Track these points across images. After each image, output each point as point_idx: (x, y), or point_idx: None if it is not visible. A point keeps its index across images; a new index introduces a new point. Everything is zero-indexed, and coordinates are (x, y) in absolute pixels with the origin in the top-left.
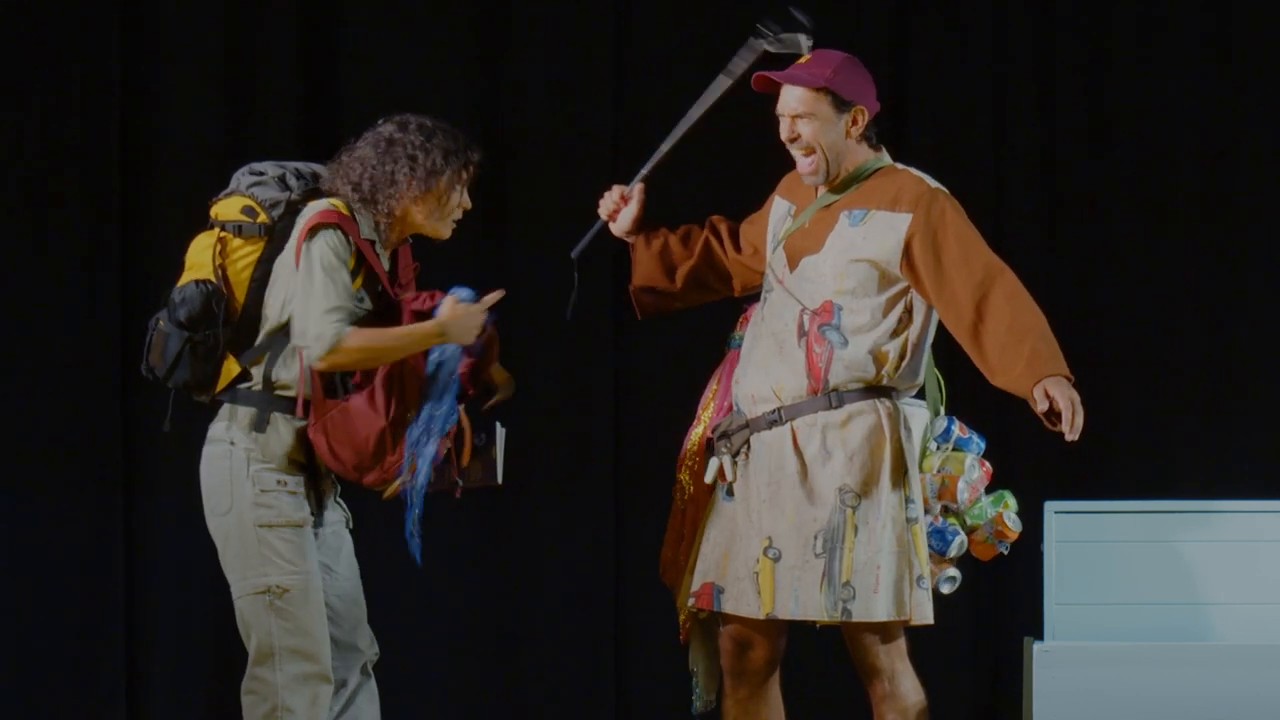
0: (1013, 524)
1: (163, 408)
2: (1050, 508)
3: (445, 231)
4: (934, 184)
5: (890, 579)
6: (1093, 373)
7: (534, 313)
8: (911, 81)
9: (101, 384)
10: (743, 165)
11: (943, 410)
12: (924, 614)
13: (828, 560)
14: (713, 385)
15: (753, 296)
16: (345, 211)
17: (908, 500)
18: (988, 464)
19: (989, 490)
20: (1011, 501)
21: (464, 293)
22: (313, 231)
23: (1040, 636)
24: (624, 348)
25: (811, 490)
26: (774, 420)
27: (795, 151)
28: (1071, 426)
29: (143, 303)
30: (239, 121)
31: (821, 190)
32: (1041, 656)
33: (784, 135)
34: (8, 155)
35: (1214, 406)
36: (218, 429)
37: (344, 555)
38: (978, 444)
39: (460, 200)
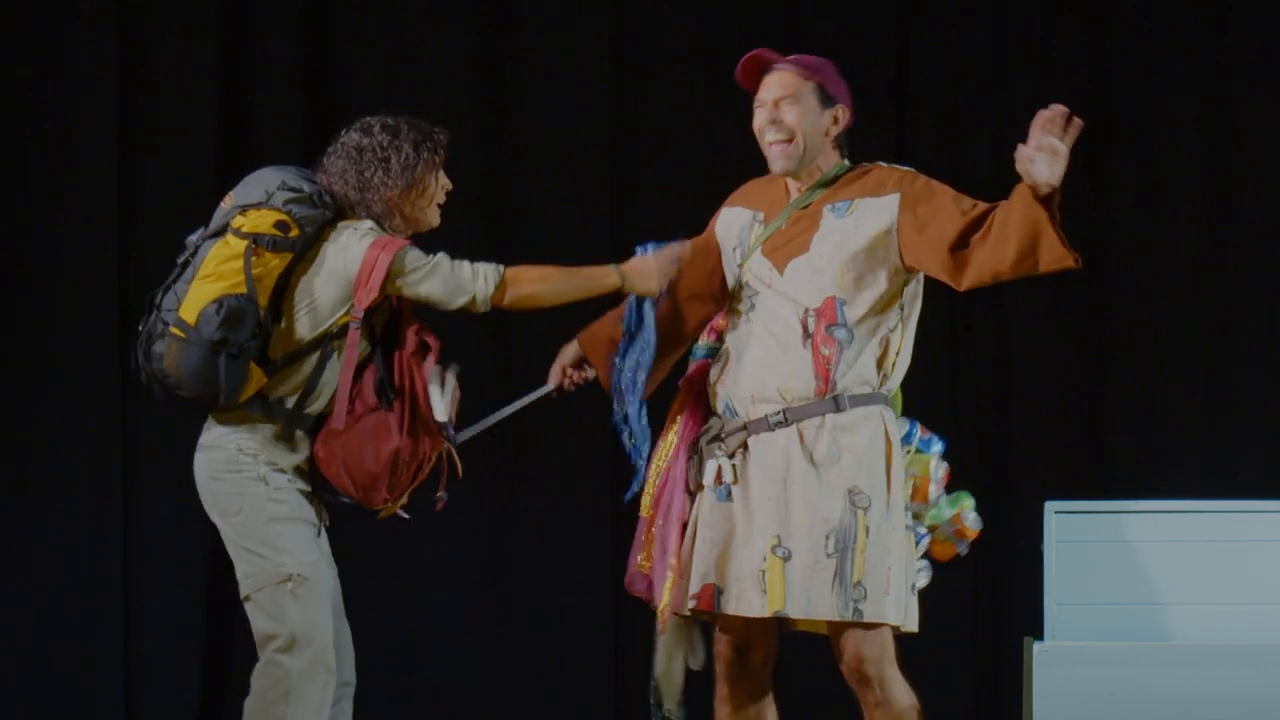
0: (971, 523)
1: (162, 406)
2: (1050, 508)
3: (434, 219)
4: (908, 168)
5: (896, 582)
6: (1092, 372)
7: (532, 313)
8: (912, 80)
9: (101, 384)
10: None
11: (899, 412)
12: (913, 621)
13: (839, 560)
14: (679, 396)
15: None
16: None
17: (906, 508)
18: (946, 464)
19: (947, 490)
20: (969, 501)
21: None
22: (402, 249)
23: (1040, 636)
24: None
25: (822, 491)
26: (778, 422)
27: (772, 136)
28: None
29: (143, 303)
30: (237, 123)
31: (794, 193)
32: (1041, 656)
33: (762, 121)
34: (6, 155)
35: (1213, 407)
36: (219, 435)
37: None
38: (938, 445)
39: (440, 183)
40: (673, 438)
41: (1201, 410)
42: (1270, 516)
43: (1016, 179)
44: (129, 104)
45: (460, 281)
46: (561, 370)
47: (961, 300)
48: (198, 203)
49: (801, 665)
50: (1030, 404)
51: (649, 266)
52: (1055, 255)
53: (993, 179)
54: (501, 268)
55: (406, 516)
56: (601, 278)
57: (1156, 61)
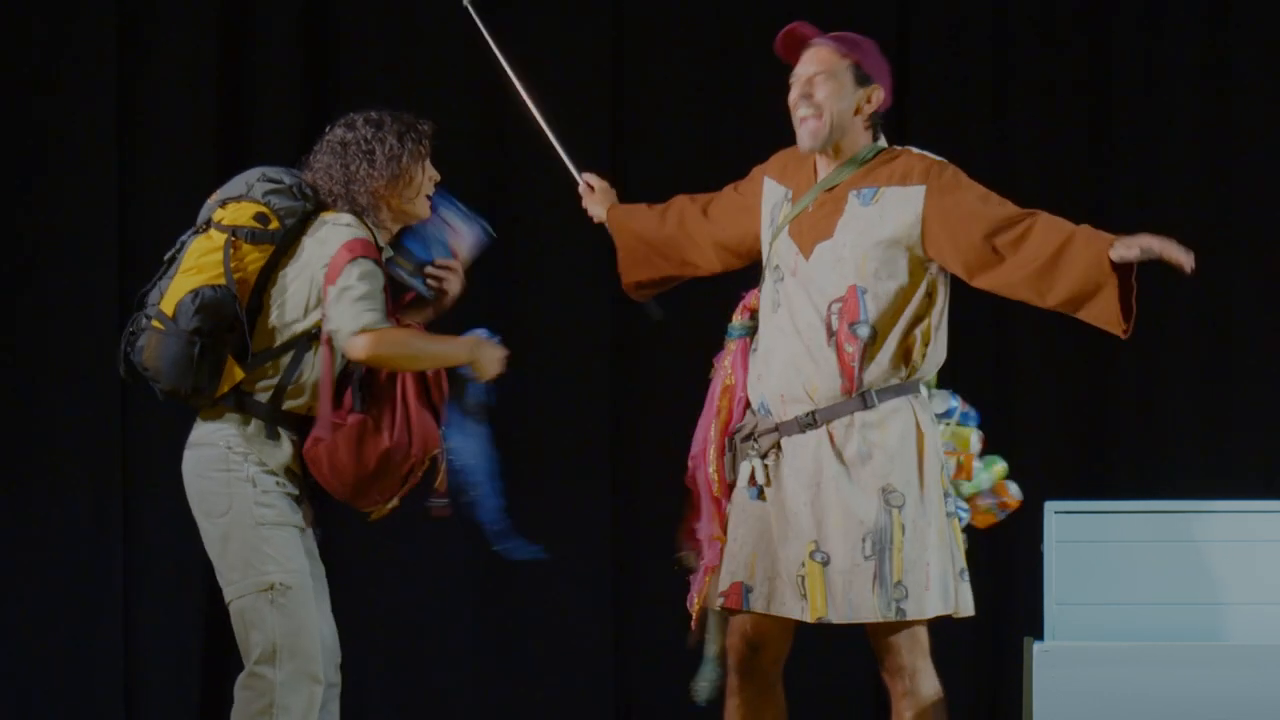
0: (1014, 492)
1: (162, 407)
2: (1050, 508)
3: (423, 210)
4: (938, 158)
5: (938, 574)
6: (1093, 372)
7: (533, 313)
8: (912, 80)
9: (101, 384)
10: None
11: (934, 383)
12: (968, 606)
13: (878, 562)
14: (724, 377)
15: (751, 282)
16: (368, 232)
17: (945, 494)
18: (982, 432)
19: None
20: (1002, 466)
21: (484, 332)
22: (353, 260)
23: (1040, 636)
24: (621, 344)
25: (855, 492)
26: (808, 424)
27: (802, 112)
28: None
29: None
30: (237, 123)
31: (822, 172)
32: (1041, 656)
33: (794, 96)
34: (6, 156)
35: (1213, 406)
36: (208, 432)
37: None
38: (974, 417)
39: (427, 174)
40: (722, 422)
41: (1201, 410)
42: (1271, 516)
43: (1015, 178)
44: (129, 104)
45: (352, 315)
46: (587, 204)
47: (961, 300)
48: (198, 204)
49: (809, 661)
50: (1030, 404)
51: (497, 355)
52: (1109, 316)
53: (993, 178)
54: (388, 324)
55: (442, 506)
56: (457, 348)
57: (1156, 61)
